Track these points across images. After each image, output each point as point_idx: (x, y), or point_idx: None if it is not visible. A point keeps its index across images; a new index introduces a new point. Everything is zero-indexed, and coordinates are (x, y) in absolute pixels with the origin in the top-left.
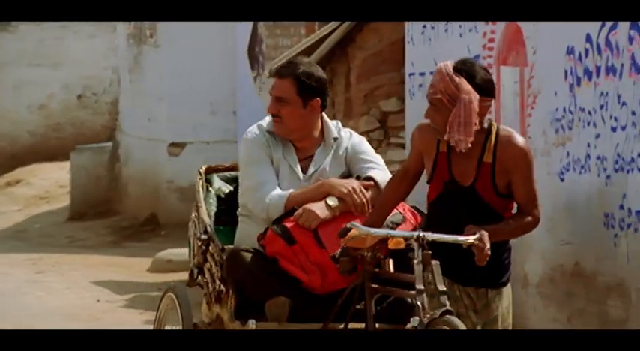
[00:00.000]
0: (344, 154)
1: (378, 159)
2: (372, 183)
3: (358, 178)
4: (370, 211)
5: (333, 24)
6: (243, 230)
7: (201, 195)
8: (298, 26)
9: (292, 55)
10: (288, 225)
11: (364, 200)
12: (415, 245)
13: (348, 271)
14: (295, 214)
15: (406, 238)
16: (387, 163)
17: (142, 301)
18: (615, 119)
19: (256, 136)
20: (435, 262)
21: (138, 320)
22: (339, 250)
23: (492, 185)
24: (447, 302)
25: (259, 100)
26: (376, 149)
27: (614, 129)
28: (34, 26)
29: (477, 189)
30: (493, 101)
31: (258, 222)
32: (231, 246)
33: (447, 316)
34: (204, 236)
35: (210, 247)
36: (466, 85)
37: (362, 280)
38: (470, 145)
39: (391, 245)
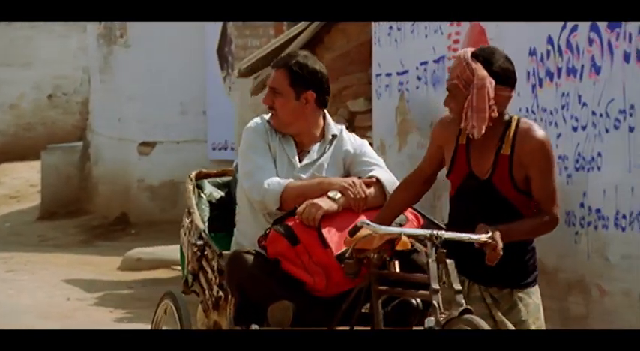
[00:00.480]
0: (343, 156)
1: (380, 161)
2: (374, 180)
3: (360, 178)
4: (367, 207)
5: (301, 25)
6: (241, 234)
7: (193, 201)
8: (267, 27)
9: (260, 56)
10: (291, 224)
11: (364, 195)
12: (429, 244)
13: (354, 274)
14: (298, 210)
15: (419, 237)
16: None
17: (112, 299)
18: (576, 119)
19: (257, 125)
20: (449, 261)
21: (108, 318)
22: (348, 249)
23: (510, 179)
24: (463, 301)
25: (229, 99)
26: None
27: (574, 129)
28: (4, 26)
29: (494, 182)
30: (513, 92)
31: (256, 221)
32: (229, 251)
33: (467, 315)
34: (199, 242)
35: (206, 253)
36: (481, 71)
37: (368, 282)
38: (484, 134)
39: (399, 246)
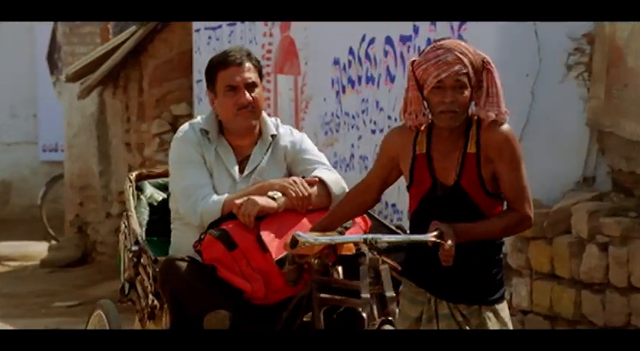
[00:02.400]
0: (283, 152)
1: (322, 157)
2: (317, 179)
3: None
4: (312, 208)
5: (127, 33)
6: (178, 238)
7: (132, 203)
8: (94, 35)
9: (87, 62)
10: (227, 227)
11: (306, 193)
12: (365, 249)
13: (294, 281)
14: (236, 202)
15: (354, 243)
16: None
17: None
18: (375, 123)
19: (188, 135)
20: (384, 267)
21: None
22: (284, 256)
23: (479, 179)
24: (396, 310)
25: (59, 104)
26: (167, 150)
27: (373, 131)
28: None
29: (463, 185)
30: None
31: (193, 228)
32: (164, 257)
33: (386, 326)
34: (134, 248)
35: (142, 260)
36: (484, 54)
37: (309, 290)
38: (447, 134)
39: (342, 251)
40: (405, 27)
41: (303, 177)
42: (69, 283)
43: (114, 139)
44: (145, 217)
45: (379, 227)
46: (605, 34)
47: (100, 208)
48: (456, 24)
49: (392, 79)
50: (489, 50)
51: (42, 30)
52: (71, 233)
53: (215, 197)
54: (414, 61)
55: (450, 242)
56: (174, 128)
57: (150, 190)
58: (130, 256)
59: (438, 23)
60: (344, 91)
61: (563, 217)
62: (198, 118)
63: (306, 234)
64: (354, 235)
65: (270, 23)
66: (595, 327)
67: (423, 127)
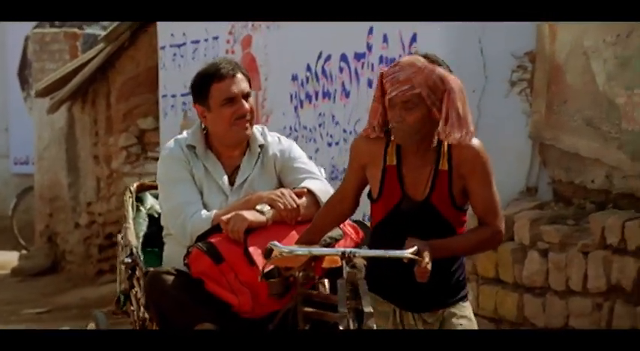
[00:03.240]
0: (273, 161)
1: (312, 166)
2: (305, 190)
3: (293, 189)
4: (301, 219)
5: (95, 50)
6: (170, 251)
7: (130, 214)
8: (63, 51)
9: (56, 78)
10: (214, 240)
11: (294, 205)
12: (343, 263)
13: (279, 294)
14: (223, 218)
15: (330, 255)
16: (144, 174)
17: None
18: (331, 136)
19: (174, 152)
20: (362, 281)
21: None
22: (266, 270)
23: (449, 195)
24: (374, 326)
25: (30, 118)
26: (134, 162)
27: (330, 144)
28: None
29: (433, 202)
30: None
31: (185, 243)
32: (157, 268)
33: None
34: (128, 260)
35: (136, 272)
36: (450, 74)
37: (295, 303)
38: (418, 150)
39: (325, 264)
40: (359, 45)
41: (293, 188)
42: (38, 291)
43: (82, 152)
44: (144, 228)
45: None
46: (545, 53)
47: (69, 219)
48: (407, 42)
49: (347, 95)
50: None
51: (13, 47)
52: (41, 243)
53: (204, 214)
54: (381, 73)
55: (427, 260)
56: (140, 141)
57: (150, 202)
58: (125, 268)
59: (390, 41)
60: (302, 106)
61: (507, 225)
62: (184, 134)
63: (285, 246)
64: (340, 247)
65: (232, 40)
66: (536, 328)
67: (393, 138)
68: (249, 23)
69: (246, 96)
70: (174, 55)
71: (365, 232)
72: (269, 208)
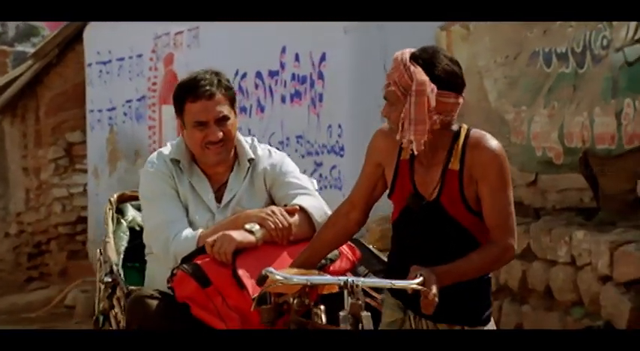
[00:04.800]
0: (262, 176)
1: (305, 180)
2: (297, 207)
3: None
4: (294, 239)
5: (24, 66)
6: (153, 271)
7: (110, 228)
8: None
9: None
10: (201, 262)
11: (286, 223)
12: (345, 293)
13: (271, 322)
14: (208, 241)
15: (331, 284)
16: (72, 185)
17: None
18: None
19: (158, 167)
20: (365, 314)
21: None
22: (257, 296)
23: (461, 198)
24: None
25: None
26: (62, 174)
27: None
28: None
29: (443, 203)
30: (461, 98)
31: (169, 263)
32: (138, 288)
33: None
34: (108, 279)
35: (117, 291)
36: (421, 76)
37: None
38: (430, 147)
39: (324, 290)
40: (273, 63)
41: (285, 205)
42: None
43: (12, 165)
44: (124, 243)
45: (370, 258)
46: None
47: None
48: (317, 60)
49: (262, 109)
50: (344, 84)
51: None
52: None
53: (189, 233)
54: None
55: (434, 291)
56: (68, 154)
57: (132, 213)
58: (104, 287)
59: (302, 60)
60: None
61: None
62: (167, 146)
63: (281, 271)
64: (335, 274)
65: (155, 58)
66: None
67: None
68: (171, 42)
69: (221, 119)
70: (101, 71)
71: (362, 252)
72: (259, 227)
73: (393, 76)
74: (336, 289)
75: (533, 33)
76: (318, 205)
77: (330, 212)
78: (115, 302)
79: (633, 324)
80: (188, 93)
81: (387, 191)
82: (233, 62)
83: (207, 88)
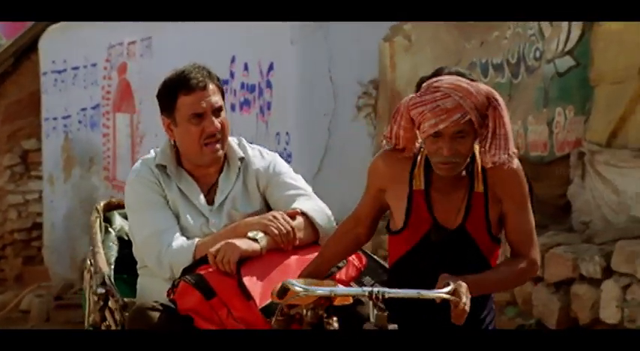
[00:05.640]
0: (255, 178)
1: (300, 181)
2: (298, 211)
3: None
4: (298, 244)
5: None
6: (146, 285)
7: (99, 237)
8: None
9: None
10: (204, 272)
11: (289, 228)
12: (370, 304)
13: None
14: (210, 250)
15: (356, 296)
16: (27, 192)
17: None
18: None
19: (143, 174)
20: (392, 326)
21: None
22: (270, 303)
23: (486, 222)
24: None
25: None
26: (18, 180)
27: None
28: None
29: (469, 229)
30: None
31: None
32: (134, 300)
33: None
34: (101, 290)
35: (109, 303)
36: (486, 85)
37: None
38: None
39: (337, 302)
40: (222, 72)
41: (285, 210)
42: None
43: None
44: (114, 253)
45: (376, 268)
46: (387, 81)
47: None
48: (265, 70)
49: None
50: (291, 92)
51: None
52: None
53: (184, 242)
54: (411, 98)
55: (464, 300)
56: (24, 161)
57: (119, 222)
58: (96, 299)
59: (250, 69)
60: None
61: None
62: (151, 153)
63: (298, 282)
64: (342, 282)
65: (109, 67)
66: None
67: (420, 158)
68: (125, 51)
69: (217, 110)
70: (56, 80)
71: (368, 261)
72: (262, 234)
73: (466, 103)
74: (350, 301)
75: (471, 44)
76: (318, 208)
77: (330, 213)
78: (107, 314)
79: (562, 323)
80: (180, 87)
81: (396, 225)
82: None
83: (200, 79)
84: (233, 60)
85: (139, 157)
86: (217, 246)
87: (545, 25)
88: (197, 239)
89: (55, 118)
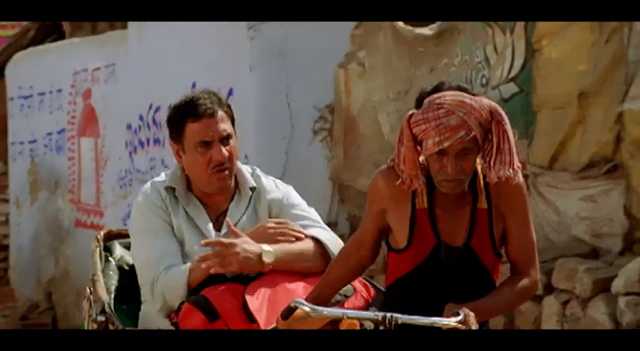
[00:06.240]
0: (267, 208)
1: (314, 214)
2: (310, 236)
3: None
4: (309, 272)
5: None
6: (149, 314)
7: (99, 266)
8: None
9: None
10: (208, 294)
11: (296, 227)
12: (381, 329)
13: None
14: (203, 266)
15: (367, 320)
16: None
17: None
18: None
19: (150, 198)
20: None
21: None
22: (274, 326)
23: (490, 239)
24: None
25: None
26: None
27: None
28: None
29: (474, 247)
30: None
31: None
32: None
33: None
34: (101, 318)
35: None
36: (489, 101)
37: None
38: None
39: (344, 327)
40: None
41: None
42: None
43: None
44: (114, 282)
45: (383, 300)
46: (342, 106)
47: None
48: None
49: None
50: (250, 117)
51: None
52: None
53: (180, 268)
54: (411, 115)
55: (473, 328)
56: None
57: (120, 252)
58: (96, 327)
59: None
60: (135, 151)
61: None
62: (162, 175)
63: (313, 305)
64: (359, 308)
65: (74, 93)
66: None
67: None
68: (89, 77)
69: (225, 138)
70: (22, 105)
71: (375, 291)
72: (270, 249)
73: (470, 120)
74: (357, 326)
75: (421, 70)
76: (332, 238)
77: (343, 244)
78: None
79: (508, 323)
80: (188, 113)
81: (399, 245)
82: (147, 96)
83: (209, 105)
84: (194, 85)
85: (102, 179)
86: (210, 262)
87: (490, 53)
88: (188, 264)
89: (21, 143)
